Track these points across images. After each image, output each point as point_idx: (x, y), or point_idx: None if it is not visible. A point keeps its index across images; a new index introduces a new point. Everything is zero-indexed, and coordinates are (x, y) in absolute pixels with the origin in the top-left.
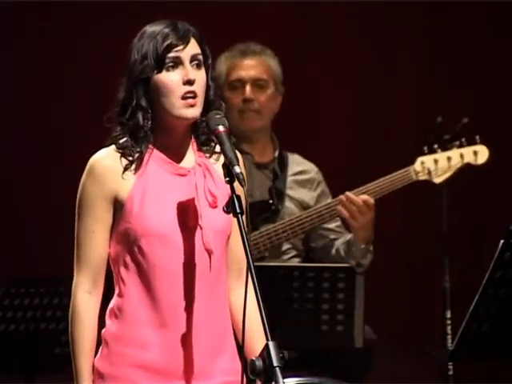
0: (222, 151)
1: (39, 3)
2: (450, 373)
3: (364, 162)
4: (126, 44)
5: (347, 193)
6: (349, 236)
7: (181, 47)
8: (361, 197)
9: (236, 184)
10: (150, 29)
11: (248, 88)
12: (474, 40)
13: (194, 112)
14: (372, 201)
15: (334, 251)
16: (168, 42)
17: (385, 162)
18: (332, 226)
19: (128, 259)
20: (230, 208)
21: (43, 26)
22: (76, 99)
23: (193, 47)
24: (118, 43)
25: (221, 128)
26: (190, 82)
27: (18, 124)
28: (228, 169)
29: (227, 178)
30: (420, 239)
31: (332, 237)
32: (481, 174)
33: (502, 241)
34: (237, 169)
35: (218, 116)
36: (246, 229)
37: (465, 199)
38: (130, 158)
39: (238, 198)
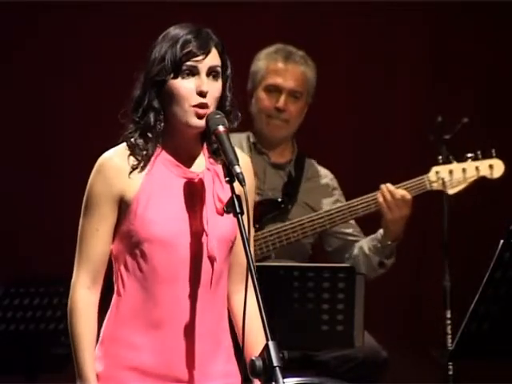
0: (222, 151)
1: (41, 3)
2: (450, 373)
3: (364, 161)
4: (125, 44)
5: (388, 184)
6: (375, 234)
7: (200, 57)
8: (399, 190)
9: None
10: (174, 31)
11: (283, 98)
12: (474, 40)
13: (202, 122)
14: (409, 196)
15: (356, 250)
16: (188, 49)
17: (384, 162)
18: (349, 230)
19: (129, 260)
20: (230, 208)
21: (43, 25)
22: (75, 100)
23: (212, 58)
24: (118, 43)
25: (221, 128)
26: (202, 94)
27: (16, 124)
28: (228, 169)
29: (227, 178)
30: (420, 239)
31: (350, 239)
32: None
33: (501, 241)
34: (237, 169)
35: (218, 116)
36: (250, 229)
37: (465, 198)
38: (139, 158)
39: (238, 198)
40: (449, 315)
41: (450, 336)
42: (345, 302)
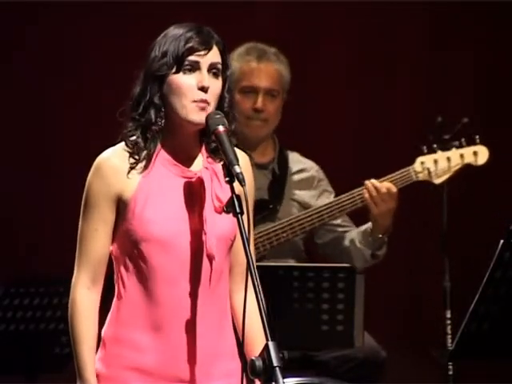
0: (222, 151)
1: (41, 3)
2: (450, 373)
3: (363, 161)
4: (125, 44)
5: (372, 180)
6: (365, 226)
7: (202, 53)
8: (384, 184)
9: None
10: (175, 29)
11: (260, 98)
12: (474, 40)
13: (202, 118)
14: (395, 189)
15: (347, 242)
16: (190, 44)
17: (384, 162)
18: (338, 221)
19: (128, 260)
20: (230, 208)
21: (43, 25)
22: (75, 100)
23: (214, 55)
24: (118, 43)
25: (221, 128)
26: (203, 89)
27: (16, 124)
28: (228, 169)
29: (227, 178)
30: (420, 239)
31: (341, 230)
32: (481, 174)
33: (501, 241)
34: (237, 169)
35: (218, 116)
36: (251, 228)
37: (464, 199)
38: (137, 157)
39: (238, 197)
40: (449, 315)
41: (449, 336)
42: (345, 301)
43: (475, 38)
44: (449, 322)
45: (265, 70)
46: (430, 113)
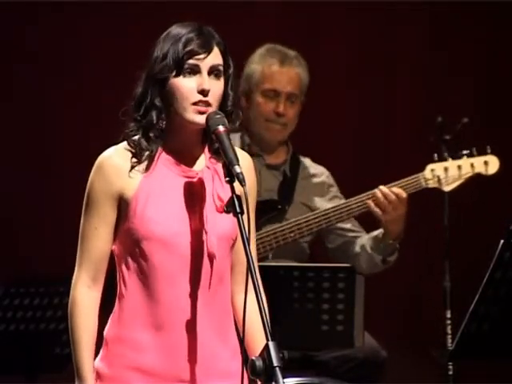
0: (222, 151)
1: (41, 3)
2: (450, 373)
3: (364, 161)
4: (125, 44)
5: (381, 187)
6: (376, 232)
7: (202, 56)
8: (393, 189)
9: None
10: (176, 29)
11: (282, 102)
12: (474, 39)
13: (204, 119)
14: (405, 194)
15: (357, 247)
16: (190, 47)
17: (385, 162)
18: (348, 225)
19: (130, 259)
20: (230, 208)
21: (43, 25)
22: (75, 100)
23: (214, 57)
24: (118, 43)
25: (221, 128)
26: (203, 92)
27: (16, 124)
28: (228, 169)
29: (227, 178)
30: (420, 239)
31: (351, 235)
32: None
33: (501, 241)
34: (237, 168)
35: (218, 116)
36: (252, 228)
37: (465, 199)
38: (139, 157)
39: (239, 197)
40: (449, 315)
41: (450, 336)
42: (345, 301)
43: (475, 37)
44: (449, 322)
45: (286, 74)
46: (430, 113)
